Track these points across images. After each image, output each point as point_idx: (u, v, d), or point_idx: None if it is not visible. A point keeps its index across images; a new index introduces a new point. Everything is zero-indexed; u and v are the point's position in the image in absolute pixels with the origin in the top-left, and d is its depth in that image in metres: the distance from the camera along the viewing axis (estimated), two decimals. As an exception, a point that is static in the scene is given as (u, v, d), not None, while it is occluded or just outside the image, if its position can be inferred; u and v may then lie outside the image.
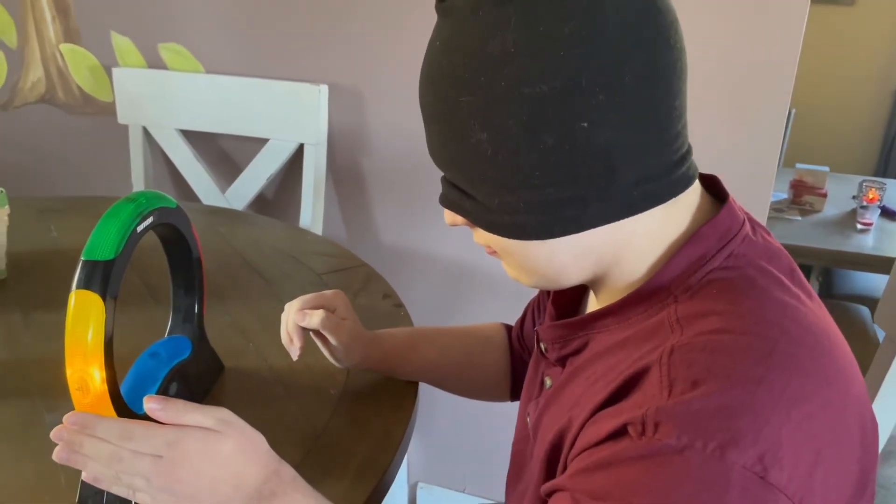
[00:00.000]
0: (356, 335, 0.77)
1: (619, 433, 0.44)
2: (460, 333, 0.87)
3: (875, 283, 2.51)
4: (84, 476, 0.56)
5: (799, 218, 2.41)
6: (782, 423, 0.41)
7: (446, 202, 0.55)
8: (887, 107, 3.64)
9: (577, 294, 0.64)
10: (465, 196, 0.53)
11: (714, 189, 0.55)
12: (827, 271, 2.58)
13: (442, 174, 0.55)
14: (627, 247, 0.51)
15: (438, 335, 0.85)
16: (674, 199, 0.50)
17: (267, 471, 0.57)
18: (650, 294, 0.51)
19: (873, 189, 2.41)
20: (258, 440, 0.58)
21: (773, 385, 0.42)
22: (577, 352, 0.57)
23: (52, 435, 0.56)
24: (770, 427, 0.41)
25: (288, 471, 0.58)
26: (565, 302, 0.65)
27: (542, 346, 0.62)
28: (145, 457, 0.54)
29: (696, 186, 0.53)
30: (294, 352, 0.74)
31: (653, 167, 0.49)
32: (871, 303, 2.37)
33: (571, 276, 0.54)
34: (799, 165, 2.53)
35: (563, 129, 0.46)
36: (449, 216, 0.56)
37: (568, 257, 0.52)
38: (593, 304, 0.60)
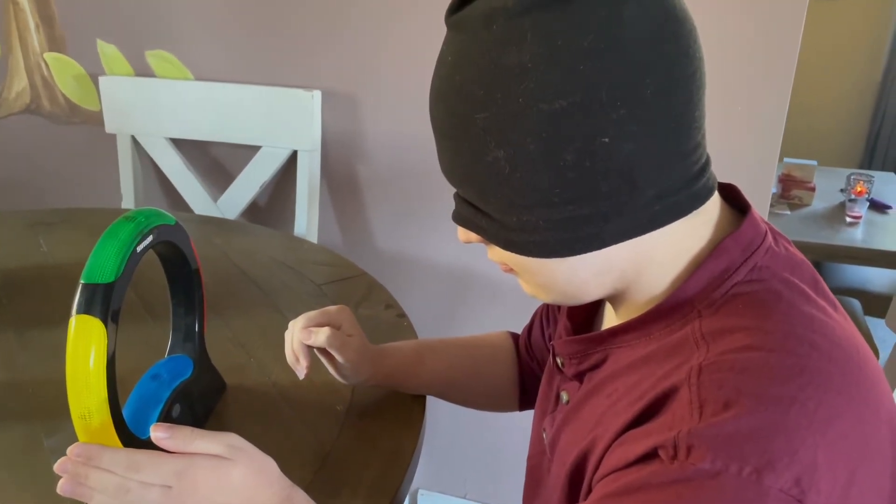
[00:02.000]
0: (363, 352, 0.75)
1: (650, 456, 0.43)
2: (467, 344, 0.86)
3: (865, 275, 2.53)
4: None
5: (788, 212, 2.42)
6: (817, 443, 0.41)
7: (460, 219, 0.54)
8: (872, 99, 3.66)
9: (593, 307, 0.63)
10: (480, 214, 0.52)
11: (733, 199, 0.54)
12: (817, 265, 2.60)
13: (454, 190, 0.54)
14: (649, 262, 0.50)
15: (445, 347, 0.84)
16: (695, 212, 0.49)
17: (279, 497, 0.55)
18: (672, 309, 0.50)
19: (861, 182, 2.42)
20: (269, 465, 0.57)
21: (806, 404, 0.41)
22: (595, 367, 0.56)
23: (57, 468, 0.54)
24: (805, 448, 0.40)
25: (300, 496, 0.57)
26: (581, 316, 0.64)
27: (559, 360, 0.60)
28: (154, 488, 0.53)
29: (716, 198, 0.52)
30: (300, 371, 0.73)
31: (673, 180, 0.48)
32: (862, 295, 2.39)
33: (591, 292, 0.53)
34: (787, 160, 2.54)
35: (582, 145, 0.45)
36: (463, 233, 0.55)
37: (588, 274, 0.51)
38: (610, 317, 0.59)
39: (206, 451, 0.55)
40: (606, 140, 0.45)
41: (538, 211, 0.48)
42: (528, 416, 0.73)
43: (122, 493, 0.53)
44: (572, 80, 0.44)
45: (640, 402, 0.46)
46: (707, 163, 0.50)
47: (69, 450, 0.55)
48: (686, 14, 0.47)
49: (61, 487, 0.54)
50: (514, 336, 0.87)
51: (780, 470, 0.39)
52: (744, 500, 0.39)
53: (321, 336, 0.71)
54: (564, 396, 0.60)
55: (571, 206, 0.47)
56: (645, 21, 0.44)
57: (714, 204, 0.51)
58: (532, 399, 0.83)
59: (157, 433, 0.54)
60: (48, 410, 0.79)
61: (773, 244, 0.51)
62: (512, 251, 0.51)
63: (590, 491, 0.49)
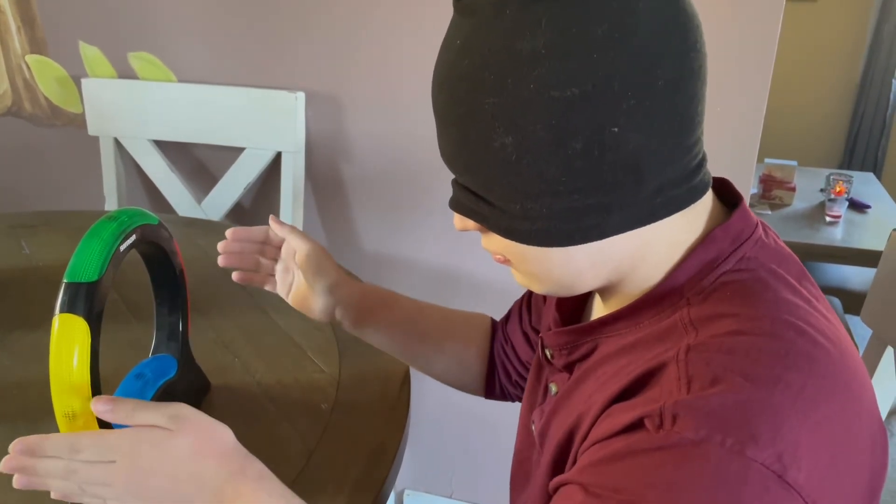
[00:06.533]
0: (320, 252, 0.79)
1: (636, 426, 0.43)
2: (441, 308, 0.86)
3: (845, 274, 2.56)
4: (53, 495, 0.56)
5: (769, 212, 2.45)
6: (801, 423, 0.41)
7: (459, 207, 0.53)
8: (851, 99, 3.72)
9: (581, 299, 0.64)
10: (481, 201, 0.51)
11: (726, 193, 0.55)
12: (798, 264, 2.63)
13: (440, 189, 0.54)
14: (645, 254, 0.50)
15: (419, 305, 0.85)
16: (691, 206, 0.50)
17: (229, 469, 0.54)
18: (662, 297, 0.50)
19: (841, 182, 2.46)
20: (220, 436, 0.56)
21: (791, 385, 0.42)
22: (584, 357, 0.56)
23: (2, 466, 0.55)
24: (789, 427, 0.41)
25: (255, 467, 0.56)
26: (569, 308, 0.64)
27: (548, 352, 0.61)
28: (98, 465, 0.54)
29: (709, 192, 0.52)
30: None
31: (675, 173, 0.48)
32: (842, 294, 2.42)
33: (586, 283, 0.53)
34: (768, 160, 2.57)
35: (592, 134, 0.45)
36: (459, 221, 0.54)
37: (585, 264, 0.51)
38: (599, 308, 0.59)
39: (150, 422, 0.55)
40: (616, 130, 0.45)
41: (543, 199, 0.47)
42: (515, 414, 0.74)
43: (71, 475, 0.54)
44: (585, 69, 0.44)
45: (627, 378, 0.47)
46: (704, 158, 0.51)
47: (10, 446, 0.55)
48: (694, 10, 0.47)
49: (16, 482, 0.55)
50: (494, 323, 0.86)
51: (763, 445, 0.40)
52: (726, 470, 0.39)
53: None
54: (553, 388, 0.60)
55: (576, 195, 0.47)
56: (658, 13, 0.44)
57: (708, 198, 0.52)
58: (501, 391, 0.83)
59: (99, 406, 0.55)
60: (32, 412, 0.79)
61: (762, 236, 0.52)
62: (512, 239, 0.50)
63: (575, 464, 0.49)
